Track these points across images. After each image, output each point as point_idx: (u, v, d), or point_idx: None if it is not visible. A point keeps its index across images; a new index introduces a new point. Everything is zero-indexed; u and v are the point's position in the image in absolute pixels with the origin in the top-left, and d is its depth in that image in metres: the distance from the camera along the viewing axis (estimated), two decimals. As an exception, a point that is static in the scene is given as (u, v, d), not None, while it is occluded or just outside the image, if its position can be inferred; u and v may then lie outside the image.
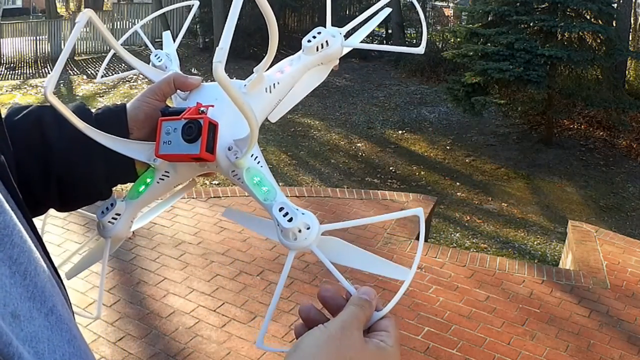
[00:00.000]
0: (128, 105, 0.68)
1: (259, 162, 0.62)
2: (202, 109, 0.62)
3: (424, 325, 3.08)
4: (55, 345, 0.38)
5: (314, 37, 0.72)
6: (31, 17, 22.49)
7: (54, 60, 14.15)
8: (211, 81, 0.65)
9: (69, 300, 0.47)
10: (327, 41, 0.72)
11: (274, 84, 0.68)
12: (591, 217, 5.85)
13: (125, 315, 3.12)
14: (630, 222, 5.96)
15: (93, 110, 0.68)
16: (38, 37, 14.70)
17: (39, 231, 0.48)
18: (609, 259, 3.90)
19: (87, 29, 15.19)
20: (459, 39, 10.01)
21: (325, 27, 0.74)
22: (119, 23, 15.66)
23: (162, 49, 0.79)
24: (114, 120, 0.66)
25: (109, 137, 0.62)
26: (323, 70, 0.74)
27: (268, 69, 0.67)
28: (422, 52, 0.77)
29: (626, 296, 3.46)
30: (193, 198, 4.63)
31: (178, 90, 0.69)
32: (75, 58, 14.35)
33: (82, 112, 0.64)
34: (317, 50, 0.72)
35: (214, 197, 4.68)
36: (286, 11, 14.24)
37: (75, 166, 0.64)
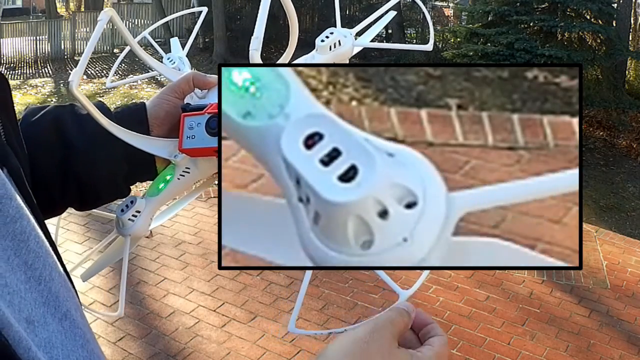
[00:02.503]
0: (147, 103, 0.69)
1: None
2: None
3: (424, 325, 3.08)
4: (69, 350, 0.38)
5: (327, 37, 0.74)
6: (31, 17, 22.51)
7: (53, 60, 14.16)
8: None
9: (81, 303, 0.47)
10: (339, 41, 0.74)
11: None
12: (591, 217, 5.85)
13: (125, 315, 3.12)
14: (630, 222, 5.97)
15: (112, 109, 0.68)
16: (38, 37, 14.69)
17: (52, 236, 0.47)
18: (609, 259, 3.90)
19: (87, 29, 15.20)
20: (459, 39, 10.01)
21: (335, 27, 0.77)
22: (119, 23, 15.65)
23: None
24: (134, 117, 0.67)
25: (131, 134, 0.62)
26: None
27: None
28: (430, 49, 0.80)
29: (626, 296, 3.46)
30: (193, 198, 4.63)
31: (196, 89, 0.70)
32: (75, 58, 14.36)
33: (102, 110, 0.64)
34: (330, 49, 0.74)
35: (214, 197, 4.68)
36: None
37: (95, 165, 0.64)
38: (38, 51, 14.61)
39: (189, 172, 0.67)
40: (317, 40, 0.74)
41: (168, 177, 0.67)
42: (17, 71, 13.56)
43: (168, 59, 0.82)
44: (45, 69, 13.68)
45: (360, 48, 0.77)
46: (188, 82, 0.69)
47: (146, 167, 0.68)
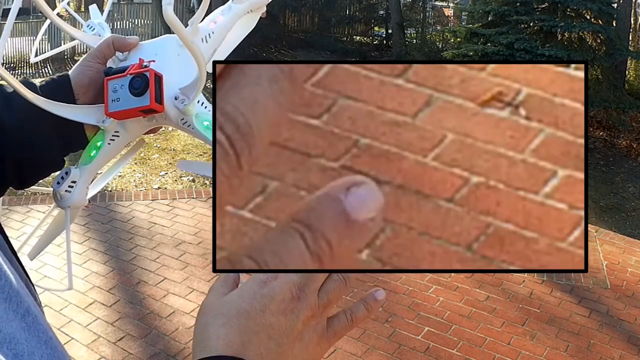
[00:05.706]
0: (70, 72, 0.69)
1: (205, 106, 0.66)
2: (145, 63, 0.65)
3: (424, 325, 3.08)
4: (33, 347, 0.37)
5: None
6: (31, 17, 22.48)
7: (53, 60, 14.16)
8: None
9: (39, 299, 0.46)
10: None
11: (209, 34, 0.72)
12: (591, 217, 5.84)
13: (125, 315, 3.12)
14: (630, 222, 5.96)
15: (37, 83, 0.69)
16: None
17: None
18: (609, 259, 3.90)
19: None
20: (459, 39, 10.00)
21: None
22: (119, 23, 15.65)
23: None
24: (59, 88, 0.67)
25: (57, 105, 0.63)
26: (252, 17, 0.79)
27: (201, 20, 0.70)
28: None
29: (626, 296, 3.46)
30: (193, 198, 4.63)
31: (117, 52, 0.70)
32: (75, 58, 14.35)
33: (27, 85, 0.64)
34: None
35: (214, 197, 4.68)
36: (286, 11, 14.22)
37: (29, 142, 0.65)
38: (38, 51, 14.59)
39: (118, 136, 0.68)
40: None
41: (99, 144, 0.68)
42: (17, 71, 13.55)
43: (88, 26, 0.82)
44: (45, 69, 13.67)
45: None
46: (108, 46, 0.69)
47: (77, 136, 0.68)
